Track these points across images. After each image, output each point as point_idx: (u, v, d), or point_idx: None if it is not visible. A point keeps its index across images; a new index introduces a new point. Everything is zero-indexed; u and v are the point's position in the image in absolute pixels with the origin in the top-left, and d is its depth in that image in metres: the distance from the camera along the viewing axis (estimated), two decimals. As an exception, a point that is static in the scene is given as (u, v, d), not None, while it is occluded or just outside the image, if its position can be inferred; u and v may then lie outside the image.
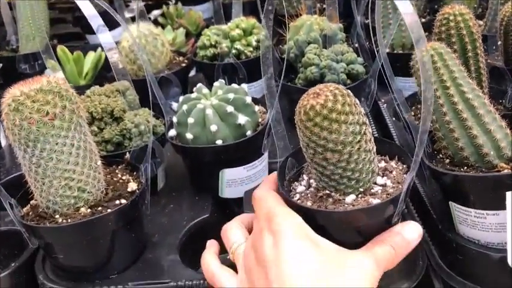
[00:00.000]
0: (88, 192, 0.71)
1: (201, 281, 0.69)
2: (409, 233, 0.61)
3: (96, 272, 0.72)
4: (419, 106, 0.88)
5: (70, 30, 1.77)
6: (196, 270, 0.76)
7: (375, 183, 0.64)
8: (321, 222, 0.60)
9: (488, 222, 0.67)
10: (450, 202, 0.71)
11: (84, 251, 0.71)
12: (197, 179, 0.91)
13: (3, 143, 1.08)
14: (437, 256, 0.75)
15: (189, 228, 0.82)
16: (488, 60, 0.98)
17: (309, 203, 0.63)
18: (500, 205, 0.64)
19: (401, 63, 0.84)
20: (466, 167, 0.69)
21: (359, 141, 0.59)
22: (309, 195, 0.65)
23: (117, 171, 0.79)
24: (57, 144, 0.67)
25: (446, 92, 0.68)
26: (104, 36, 0.77)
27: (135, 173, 0.79)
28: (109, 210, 0.69)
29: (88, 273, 0.72)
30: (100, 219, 0.68)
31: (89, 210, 0.70)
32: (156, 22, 1.54)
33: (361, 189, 0.63)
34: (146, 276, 0.72)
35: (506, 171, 0.65)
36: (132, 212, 0.72)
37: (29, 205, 0.74)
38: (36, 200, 0.72)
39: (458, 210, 0.70)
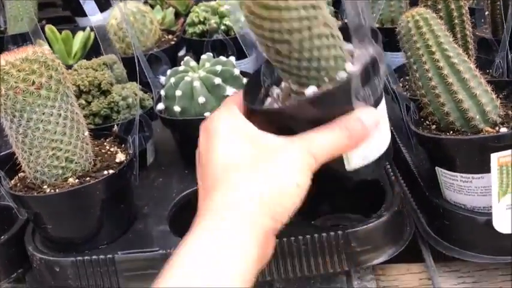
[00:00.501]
0: (76, 163, 0.71)
1: (190, 249, 0.69)
2: (367, 118, 0.57)
3: (85, 243, 0.73)
4: (407, 78, 0.89)
5: (60, 14, 1.76)
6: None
7: (344, 70, 0.58)
8: (281, 122, 0.57)
9: (474, 186, 0.68)
10: (436, 168, 0.71)
11: (72, 221, 0.71)
12: (186, 152, 0.91)
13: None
14: (425, 223, 0.76)
15: (179, 199, 0.82)
16: (477, 33, 0.98)
17: (275, 105, 0.60)
18: (485, 168, 0.65)
19: (390, 38, 0.84)
20: (452, 132, 0.69)
21: (309, 28, 0.53)
22: (280, 96, 0.62)
23: (105, 143, 0.79)
24: (43, 114, 0.67)
25: (431, 57, 0.68)
26: (90, 9, 0.77)
27: (123, 145, 0.79)
28: (97, 180, 0.69)
29: (77, 244, 0.72)
30: (88, 188, 0.68)
31: (77, 180, 0.70)
32: (145, 3, 1.54)
33: (326, 79, 0.57)
34: (135, 246, 0.72)
35: (491, 134, 0.66)
36: (121, 181, 0.72)
37: (16, 177, 0.74)
38: (24, 171, 0.72)
39: (444, 176, 0.71)
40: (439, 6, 0.77)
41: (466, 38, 0.79)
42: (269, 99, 0.63)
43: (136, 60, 0.80)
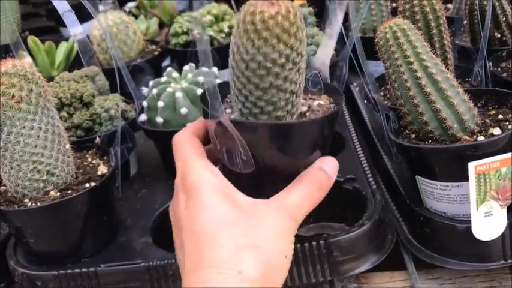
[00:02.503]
0: (57, 176, 0.70)
1: (173, 260, 0.69)
2: (329, 169, 0.59)
3: (67, 256, 0.72)
4: (388, 87, 0.90)
5: (44, 24, 1.75)
6: (169, 252, 0.76)
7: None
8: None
9: (453, 194, 0.69)
10: (417, 176, 0.72)
11: (54, 235, 0.71)
12: (170, 164, 0.90)
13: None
14: (407, 231, 0.76)
15: (162, 211, 0.82)
16: (456, 42, 1.00)
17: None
18: (464, 176, 0.65)
19: (372, 47, 0.85)
20: (431, 141, 0.70)
21: (291, 68, 0.57)
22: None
23: (87, 155, 0.79)
24: (24, 127, 0.67)
25: (409, 67, 0.69)
26: (70, 21, 0.77)
27: (105, 157, 0.78)
28: (78, 193, 0.69)
29: (59, 257, 0.72)
30: (69, 202, 0.68)
31: (58, 193, 0.70)
32: (130, 14, 1.54)
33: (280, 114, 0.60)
34: (118, 259, 0.72)
35: (468, 142, 0.66)
36: (102, 194, 0.72)
37: (-3, 191, 0.73)
38: (5, 185, 0.72)
39: (424, 184, 0.71)
40: (417, 17, 0.78)
41: (445, 47, 0.80)
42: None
43: (116, 72, 0.80)
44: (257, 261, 0.51)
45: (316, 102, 0.66)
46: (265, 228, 0.53)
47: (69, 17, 0.76)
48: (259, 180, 0.61)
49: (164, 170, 0.92)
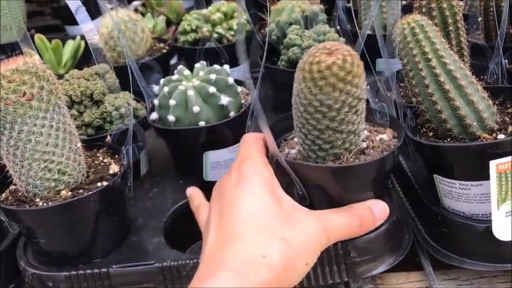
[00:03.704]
0: (68, 175, 0.69)
1: (187, 261, 0.68)
2: (378, 211, 0.63)
3: (79, 256, 0.71)
4: (402, 84, 0.89)
5: (49, 23, 1.75)
6: (182, 252, 0.75)
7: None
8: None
9: (472, 193, 0.67)
10: (434, 175, 0.71)
11: (66, 235, 0.70)
12: (181, 162, 0.90)
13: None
14: (423, 230, 0.75)
15: (174, 211, 0.81)
16: (470, 39, 0.98)
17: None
18: (484, 175, 0.64)
19: (384, 44, 0.84)
20: (449, 139, 0.69)
21: (347, 112, 0.61)
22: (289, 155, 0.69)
23: (98, 154, 0.78)
24: (35, 125, 0.66)
25: (428, 64, 0.68)
26: (83, 18, 0.76)
27: (116, 156, 0.77)
28: (90, 192, 0.68)
29: (70, 258, 0.71)
30: (81, 201, 0.67)
31: (69, 193, 0.69)
32: (136, 12, 1.52)
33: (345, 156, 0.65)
34: (130, 259, 0.71)
35: (489, 140, 0.65)
36: (114, 193, 0.71)
37: (7, 190, 0.72)
38: (15, 184, 0.71)
39: (442, 183, 0.70)
40: (434, 13, 0.76)
41: (461, 44, 0.79)
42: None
43: (129, 70, 0.78)
44: (282, 254, 0.53)
45: (379, 137, 0.69)
46: (300, 230, 0.56)
47: (81, 12, 0.75)
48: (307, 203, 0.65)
49: (175, 168, 0.91)
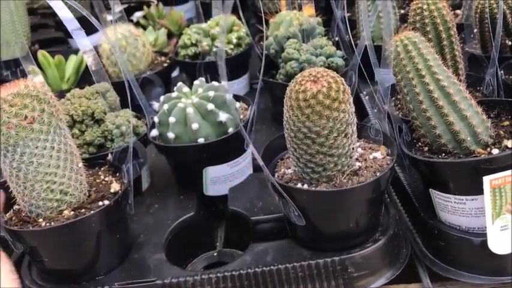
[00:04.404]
0: (70, 195, 0.71)
1: (187, 278, 0.69)
2: None
3: (82, 274, 0.72)
4: (398, 96, 0.89)
5: (52, 35, 1.76)
6: (183, 268, 0.76)
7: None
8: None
9: (467, 207, 0.68)
10: (430, 189, 0.71)
11: (69, 254, 0.71)
12: (181, 178, 0.91)
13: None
14: (421, 243, 0.76)
15: (175, 227, 0.82)
16: (466, 49, 0.99)
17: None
18: (478, 190, 0.65)
19: (381, 55, 0.85)
20: (444, 154, 0.69)
21: (336, 136, 0.62)
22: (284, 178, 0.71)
23: (99, 172, 0.79)
24: (37, 147, 0.67)
25: (421, 80, 0.69)
26: (80, 39, 0.77)
27: (117, 174, 0.79)
28: (92, 212, 0.69)
29: (74, 276, 0.72)
30: (83, 221, 0.68)
31: (72, 212, 0.70)
32: (138, 24, 1.54)
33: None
34: (133, 276, 0.72)
35: (482, 156, 0.66)
36: (116, 212, 0.72)
37: (11, 210, 0.73)
38: (18, 204, 0.72)
39: (438, 197, 0.71)
40: (427, 28, 0.77)
41: (456, 58, 0.79)
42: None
43: (127, 88, 0.80)
44: None
45: (373, 155, 0.71)
46: None
47: (78, 34, 0.76)
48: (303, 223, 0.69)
49: (175, 184, 0.92)
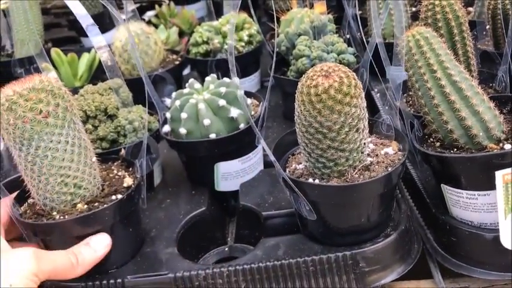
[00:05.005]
0: (84, 189, 0.71)
1: (199, 271, 0.70)
2: (96, 243, 0.69)
3: (95, 267, 0.73)
4: (410, 93, 0.89)
5: (65, 34, 1.78)
6: (194, 262, 0.77)
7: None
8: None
9: (479, 203, 0.68)
10: (442, 185, 0.71)
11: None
12: (193, 174, 0.92)
13: (1, 147, 1.09)
14: (432, 239, 0.76)
15: (186, 221, 0.82)
16: (479, 46, 0.99)
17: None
18: (491, 185, 0.65)
19: (393, 53, 0.85)
20: (456, 149, 0.69)
21: (348, 131, 0.62)
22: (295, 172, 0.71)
23: (112, 167, 0.80)
24: (51, 141, 0.68)
25: (433, 75, 0.69)
26: (94, 35, 0.78)
27: (130, 169, 0.79)
28: (105, 205, 0.70)
29: (87, 269, 0.73)
30: (97, 214, 0.69)
31: (85, 206, 0.71)
32: (149, 23, 1.55)
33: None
34: (145, 270, 0.73)
35: (495, 151, 0.66)
36: (129, 206, 0.73)
37: (26, 203, 0.74)
38: (33, 198, 0.73)
39: (450, 193, 0.71)
40: (439, 24, 0.77)
41: (468, 54, 0.79)
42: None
43: (146, 84, 0.80)
44: None
45: (384, 150, 0.71)
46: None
47: (92, 30, 0.77)
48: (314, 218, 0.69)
49: (187, 179, 0.93)
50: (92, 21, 0.78)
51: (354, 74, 0.64)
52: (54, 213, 0.70)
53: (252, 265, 0.69)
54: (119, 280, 0.71)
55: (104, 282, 0.71)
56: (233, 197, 0.91)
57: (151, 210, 0.85)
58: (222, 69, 1.14)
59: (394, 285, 0.74)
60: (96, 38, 0.78)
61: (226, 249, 0.86)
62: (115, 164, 0.81)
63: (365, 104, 0.65)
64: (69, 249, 0.68)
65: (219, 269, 0.70)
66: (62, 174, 0.69)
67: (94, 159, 0.74)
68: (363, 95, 0.64)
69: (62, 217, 0.69)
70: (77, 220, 0.68)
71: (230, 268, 0.69)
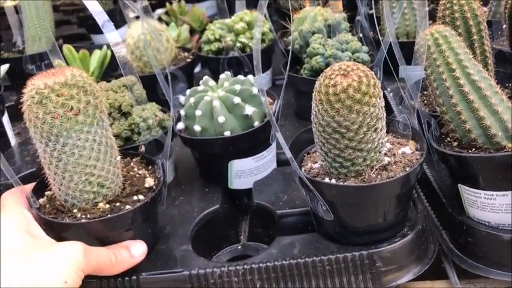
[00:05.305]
0: (107, 188, 0.70)
1: (214, 269, 0.70)
2: (135, 249, 0.70)
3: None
4: (425, 92, 0.89)
5: (75, 32, 1.79)
6: (208, 259, 0.77)
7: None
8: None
9: (497, 203, 0.68)
10: (459, 185, 0.71)
11: (99, 246, 0.71)
12: (206, 171, 0.92)
13: (13, 143, 1.09)
14: (448, 240, 0.75)
15: (200, 219, 0.82)
16: (494, 46, 0.98)
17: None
18: (509, 185, 0.64)
19: (406, 52, 0.84)
20: (474, 149, 0.69)
21: (366, 131, 0.62)
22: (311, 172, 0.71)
23: (132, 164, 0.79)
24: (79, 139, 0.66)
25: (452, 74, 0.68)
26: (110, 32, 0.78)
27: (150, 167, 0.78)
28: (128, 207, 0.69)
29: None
30: (120, 217, 0.68)
31: (107, 205, 0.70)
32: (160, 21, 1.55)
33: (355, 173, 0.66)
34: (159, 267, 0.73)
35: (514, 151, 0.65)
36: (151, 209, 0.72)
37: (45, 196, 0.73)
38: (52, 191, 0.72)
39: (467, 193, 0.70)
40: (457, 23, 0.76)
41: (485, 53, 0.79)
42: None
43: (160, 81, 0.80)
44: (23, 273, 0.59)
45: (401, 150, 0.70)
46: (50, 253, 0.62)
47: (108, 27, 0.77)
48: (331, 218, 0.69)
49: (200, 176, 0.93)
50: (107, 17, 0.77)
51: (373, 73, 0.63)
52: (75, 210, 0.69)
53: (268, 263, 0.69)
54: (134, 277, 0.71)
55: (119, 279, 0.71)
56: (246, 195, 0.91)
57: (166, 208, 0.85)
58: (234, 67, 1.14)
59: (409, 285, 0.74)
60: (111, 34, 0.78)
61: (239, 247, 0.86)
62: (134, 160, 0.80)
63: (383, 104, 0.65)
64: (109, 247, 0.68)
65: (235, 267, 0.69)
66: (87, 173, 0.68)
67: (118, 157, 0.72)
68: (381, 94, 0.64)
69: (83, 216, 0.68)
70: (101, 222, 0.67)
71: (246, 266, 0.69)
